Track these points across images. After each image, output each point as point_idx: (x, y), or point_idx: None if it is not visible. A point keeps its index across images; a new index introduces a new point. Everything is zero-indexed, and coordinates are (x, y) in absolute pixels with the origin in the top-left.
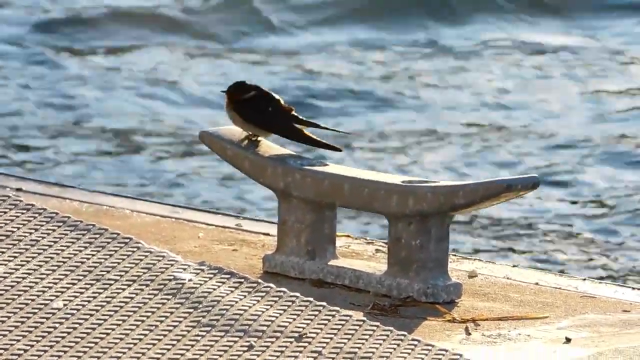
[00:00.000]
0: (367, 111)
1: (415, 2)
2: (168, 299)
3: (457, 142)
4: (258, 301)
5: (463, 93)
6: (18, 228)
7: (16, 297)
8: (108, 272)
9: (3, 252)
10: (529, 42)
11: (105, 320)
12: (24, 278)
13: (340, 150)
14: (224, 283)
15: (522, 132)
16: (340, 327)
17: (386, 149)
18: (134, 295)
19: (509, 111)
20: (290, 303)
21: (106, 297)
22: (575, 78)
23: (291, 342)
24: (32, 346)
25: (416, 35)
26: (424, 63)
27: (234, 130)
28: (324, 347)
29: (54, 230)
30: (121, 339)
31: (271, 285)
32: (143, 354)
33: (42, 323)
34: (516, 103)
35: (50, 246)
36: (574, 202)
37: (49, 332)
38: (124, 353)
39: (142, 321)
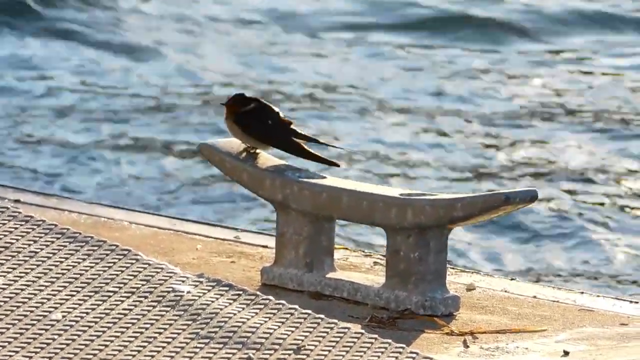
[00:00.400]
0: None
1: None
2: (166, 311)
3: None
4: (256, 313)
5: None
6: (17, 240)
7: (15, 308)
8: (107, 283)
9: (2, 264)
10: None
11: (103, 332)
12: (22, 290)
13: (338, 166)
14: (222, 295)
15: None
16: (338, 339)
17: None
18: (132, 307)
19: None
20: (288, 315)
21: (105, 309)
22: None
23: (289, 355)
24: (30, 358)
25: None
26: None
27: (233, 143)
28: None
29: (52, 242)
30: (120, 351)
31: (270, 297)
32: None
33: (40, 335)
34: None
35: (49, 258)
36: None
37: (48, 344)
38: None
39: (141, 333)
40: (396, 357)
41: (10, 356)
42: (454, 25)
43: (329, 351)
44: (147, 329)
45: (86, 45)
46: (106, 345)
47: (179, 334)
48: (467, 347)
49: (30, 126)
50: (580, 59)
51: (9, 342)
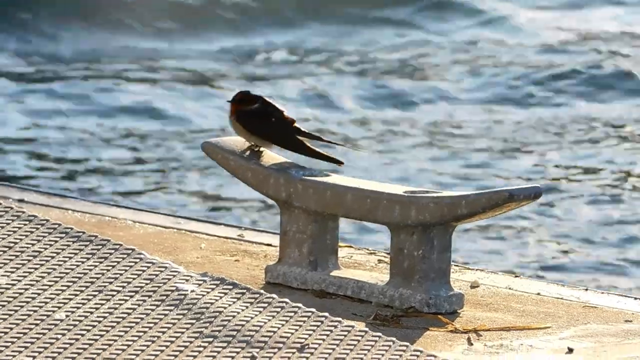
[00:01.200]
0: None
1: None
2: (170, 310)
3: None
4: (260, 312)
5: None
6: (21, 239)
7: (19, 308)
8: (110, 283)
9: (6, 264)
10: None
11: (107, 331)
12: (26, 289)
13: (341, 164)
14: (226, 294)
15: None
16: (342, 337)
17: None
18: (136, 306)
19: None
20: (292, 314)
21: (109, 308)
22: None
23: (293, 353)
24: (34, 357)
25: None
26: None
27: (237, 141)
28: (326, 358)
29: (56, 242)
30: (124, 350)
31: (273, 295)
32: None
33: (44, 334)
34: None
35: (52, 257)
36: None
37: (52, 343)
38: None
39: (145, 332)
40: (400, 355)
41: (14, 356)
42: None
43: (333, 349)
44: (150, 327)
45: None
46: (110, 345)
47: (182, 332)
48: (471, 344)
49: None
50: None
51: (13, 342)
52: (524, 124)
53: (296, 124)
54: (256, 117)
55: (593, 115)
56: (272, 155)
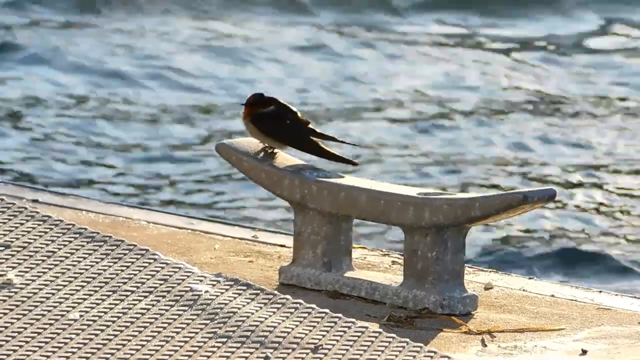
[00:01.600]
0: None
1: None
2: (184, 311)
3: None
4: (274, 312)
5: None
6: (35, 239)
7: (33, 308)
8: (124, 283)
9: (20, 264)
10: None
11: (121, 331)
12: (40, 289)
13: (356, 164)
14: (240, 294)
15: None
16: (356, 338)
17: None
18: (150, 307)
19: None
20: (306, 314)
21: (122, 308)
22: None
23: (307, 354)
24: (48, 357)
25: None
26: None
27: (251, 142)
28: (339, 359)
29: (70, 242)
30: (137, 350)
31: (287, 296)
32: None
33: (58, 334)
34: None
35: (66, 257)
36: None
37: (65, 343)
38: None
39: (159, 332)
40: (414, 356)
41: (28, 355)
42: None
43: (347, 350)
44: (164, 328)
45: None
46: (124, 345)
47: (196, 333)
48: (485, 346)
49: None
50: None
51: (27, 342)
52: None
53: (310, 125)
54: (270, 119)
55: None
56: (286, 156)
